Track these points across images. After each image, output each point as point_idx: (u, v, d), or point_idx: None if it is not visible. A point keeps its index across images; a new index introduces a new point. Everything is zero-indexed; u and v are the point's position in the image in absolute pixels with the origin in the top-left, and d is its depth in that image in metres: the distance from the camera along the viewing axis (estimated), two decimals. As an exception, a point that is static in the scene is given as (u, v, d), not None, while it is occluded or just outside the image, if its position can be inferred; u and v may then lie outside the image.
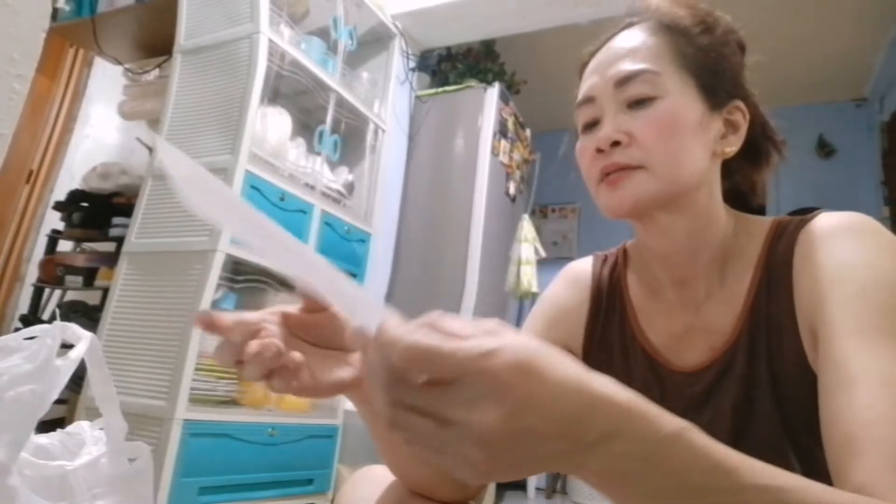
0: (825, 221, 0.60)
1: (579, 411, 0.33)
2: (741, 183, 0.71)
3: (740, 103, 0.65)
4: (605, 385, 0.35)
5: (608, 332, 0.74)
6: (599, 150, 0.62)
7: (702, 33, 0.64)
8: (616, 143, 0.61)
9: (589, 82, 0.66)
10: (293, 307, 0.50)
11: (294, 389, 0.48)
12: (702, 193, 0.63)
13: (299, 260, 0.39)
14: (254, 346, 0.45)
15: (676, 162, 0.60)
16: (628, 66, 0.62)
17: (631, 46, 0.64)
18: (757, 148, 0.69)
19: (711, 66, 0.63)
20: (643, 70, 0.61)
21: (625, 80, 0.62)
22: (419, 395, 0.33)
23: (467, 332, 0.33)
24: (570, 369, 0.34)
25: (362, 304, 0.37)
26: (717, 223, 0.65)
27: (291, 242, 0.39)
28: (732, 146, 0.64)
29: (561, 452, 0.34)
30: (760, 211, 0.74)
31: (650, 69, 0.61)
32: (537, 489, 3.41)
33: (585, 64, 0.69)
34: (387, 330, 0.34)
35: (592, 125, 0.65)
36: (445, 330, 0.33)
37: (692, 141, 0.61)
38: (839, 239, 0.56)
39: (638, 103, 0.61)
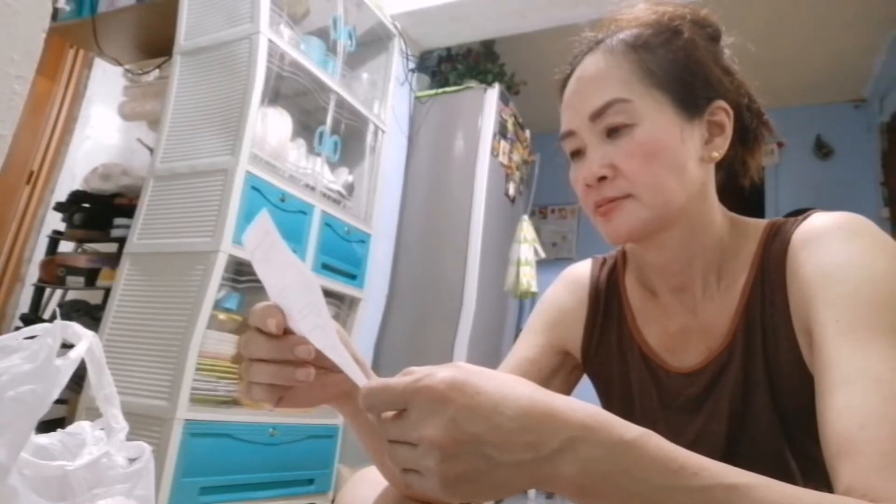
0: (817, 222, 0.60)
1: (534, 422, 0.38)
2: (733, 163, 0.70)
3: (721, 102, 0.63)
4: (563, 399, 0.39)
5: (606, 334, 0.75)
6: (588, 186, 0.63)
7: (666, 42, 0.63)
8: (602, 178, 0.62)
9: (566, 116, 0.66)
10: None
11: (291, 405, 0.53)
12: (694, 201, 0.63)
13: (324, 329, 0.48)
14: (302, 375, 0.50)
15: (662, 186, 0.60)
16: (599, 98, 0.62)
17: (598, 75, 0.63)
18: (746, 130, 0.68)
19: (682, 76, 0.62)
20: (614, 100, 0.61)
21: (598, 114, 0.62)
22: (391, 427, 0.40)
23: (419, 370, 0.40)
24: (515, 386, 0.40)
25: (354, 371, 0.46)
26: (712, 226, 0.65)
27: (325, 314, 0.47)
28: (719, 149, 0.64)
29: (526, 463, 0.37)
30: (758, 194, 0.73)
31: (620, 98, 0.61)
32: (537, 489, 3.41)
33: (563, 85, 0.69)
34: (362, 389, 0.42)
35: (577, 154, 0.66)
36: (407, 372, 0.41)
37: (676, 160, 0.61)
38: (831, 239, 0.56)
39: (616, 132, 0.61)
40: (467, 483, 0.37)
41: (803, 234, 0.60)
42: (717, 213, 0.66)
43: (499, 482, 0.38)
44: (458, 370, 0.39)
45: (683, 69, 0.63)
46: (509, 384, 0.39)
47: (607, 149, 0.62)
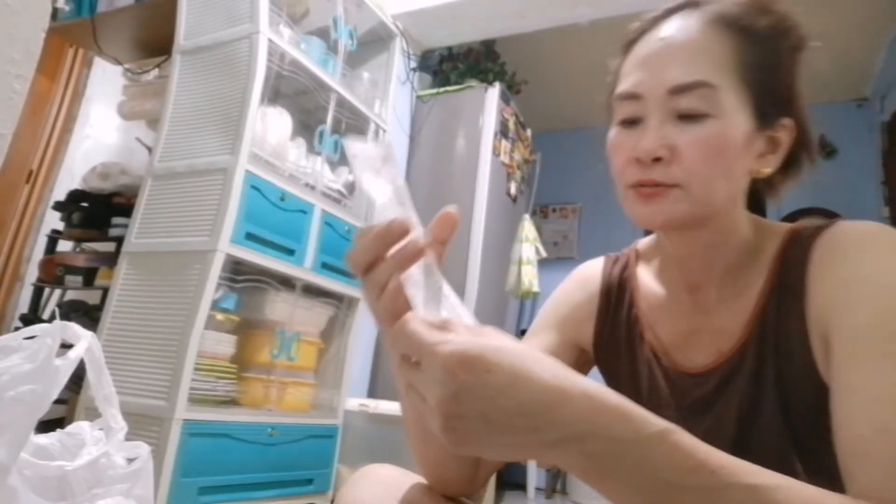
0: (844, 230, 0.58)
1: (543, 409, 0.36)
2: (763, 187, 0.68)
3: (788, 121, 0.61)
4: (581, 387, 0.37)
5: (616, 332, 0.74)
6: (637, 160, 0.58)
7: (772, 38, 0.59)
8: (657, 159, 0.57)
9: (636, 77, 0.60)
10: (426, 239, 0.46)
11: (390, 311, 0.46)
12: (729, 206, 0.62)
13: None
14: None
15: (713, 186, 0.58)
16: (686, 72, 0.57)
17: (690, 44, 0.58)
18: (794, 158, 0.65)
19: (771, 80, 0.59)
20: (701, 82, 0.56)
21: (681, 90, 0.57)
22: (406, 369, 0.40)
23: (454, 328, 0.39)
24: (533, 366, 0.37)
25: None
26: (738, 231, 0.64)
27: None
28: (769, 167, 0.61)
29: (527, 444, 0.37)
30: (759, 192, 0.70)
31: (708, 83, 0.56)
32: (537, 489, 3.40)
33: (632, 41, 0.64)
34: (398, 322, 0.41)
35: (632, 122, 0.61)
36: (443, 325, 0.40)
37: (733, 165, 0.58)
38: (859, 249, 0.55)
39: (689, 117, 0.57)
40: (469, 445, 0.38)
41: (828, 243, 0.58)
42: (744, 218, 0.65)
43: (501, 452, 0.39)
44: (476, 343, 0.37)
45: (776, 74, 0.59)
46: (526, 364, 0.37)
47: (671, 130, 0.57)
